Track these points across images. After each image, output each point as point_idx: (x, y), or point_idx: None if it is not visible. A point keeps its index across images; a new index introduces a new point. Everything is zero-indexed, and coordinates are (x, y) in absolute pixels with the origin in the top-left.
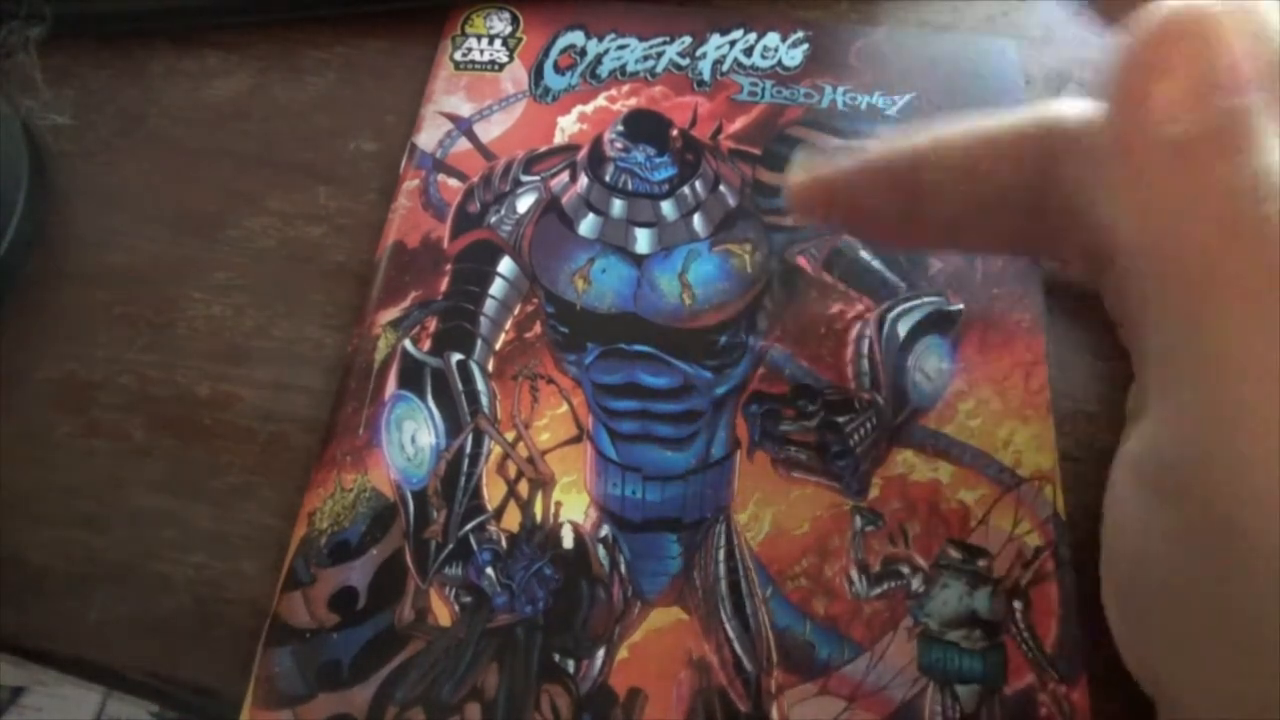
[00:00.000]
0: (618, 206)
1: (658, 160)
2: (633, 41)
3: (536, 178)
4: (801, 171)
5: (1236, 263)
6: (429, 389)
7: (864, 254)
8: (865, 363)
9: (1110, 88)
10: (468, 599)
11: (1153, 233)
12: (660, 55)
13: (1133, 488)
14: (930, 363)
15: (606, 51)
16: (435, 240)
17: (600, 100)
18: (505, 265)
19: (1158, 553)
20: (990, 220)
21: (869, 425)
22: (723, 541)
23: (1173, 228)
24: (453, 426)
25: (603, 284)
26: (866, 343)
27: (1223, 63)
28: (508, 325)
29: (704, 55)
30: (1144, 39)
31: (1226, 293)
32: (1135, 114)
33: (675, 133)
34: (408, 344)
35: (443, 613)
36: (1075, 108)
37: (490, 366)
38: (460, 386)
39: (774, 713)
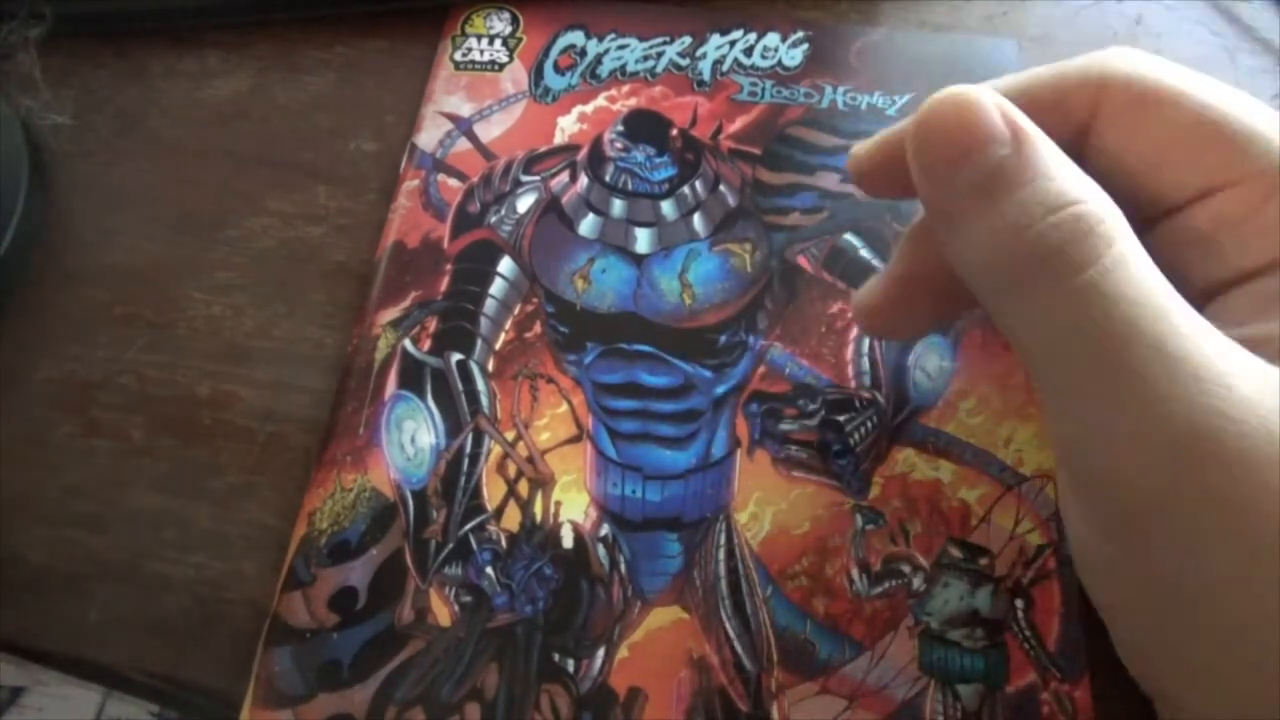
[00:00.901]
0: (618, 206)
1: (658, 160)
2: (633, 41)
3: (536, 178)
4: (856, 150)
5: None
6: (429, 389)
7: (864, 253)
8: (866, 361)
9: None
10: (468, 599)
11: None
12: (660, 55)
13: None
14: (931, 361)
15: (606, 51)
16: (435, 240)
17: (600, 100)
18: (505, 265)
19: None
20: None
21: (869, 424)
22: (723, 540)
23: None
24: (453, 426)
25: (603, 284)
26: (867, 341)
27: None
28: (508, 325)
29: (704, 55)
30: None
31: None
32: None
33: (675, 133)
34: (408, 344)
35: (443, 613)
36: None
37: (490, 366)
38: (460, 386)
39: (774, 712)
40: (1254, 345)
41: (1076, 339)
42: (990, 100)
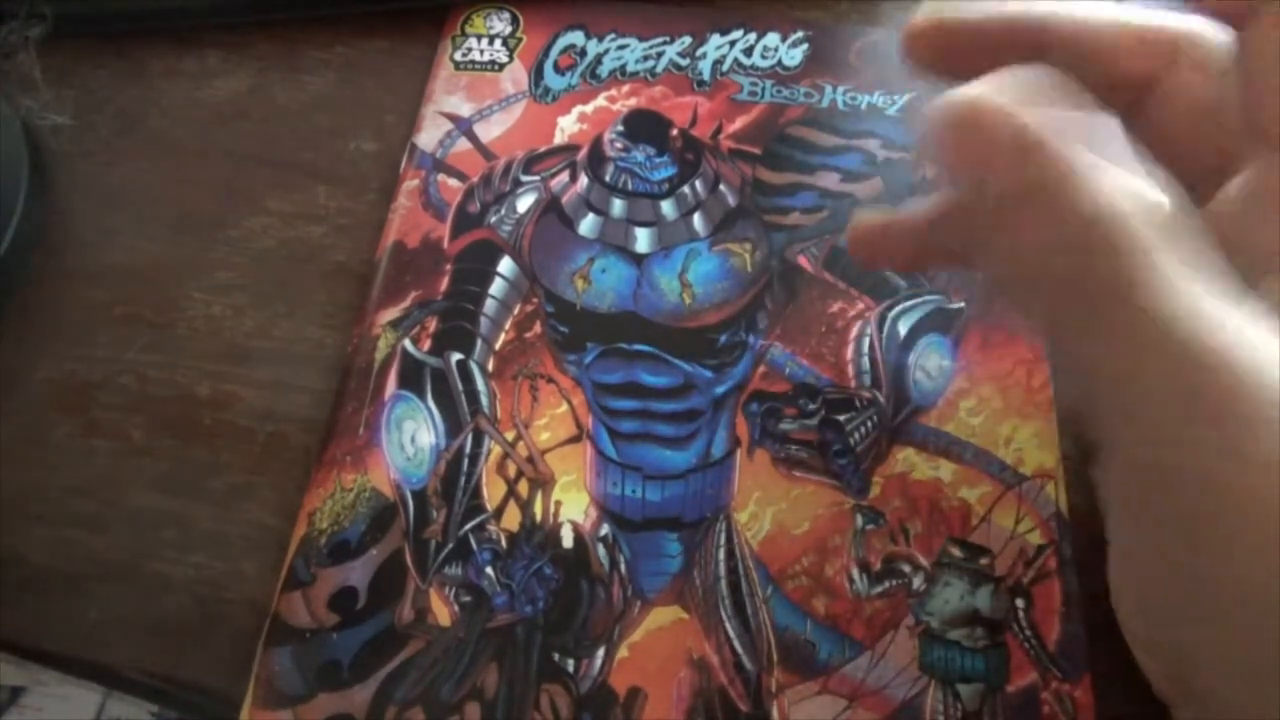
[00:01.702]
0: (618, 206)
1: (658, 160)
2: (633, 41)
3: (536, 178)
4: (922, 15)
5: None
6: (429, 389)
7: None
8: (866, 361)
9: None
10: (468, 599)
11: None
12: (660, 55)
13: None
14: (931, 361)
15: (606, 51)
16: (435, 240)
17: (600, 100)
18: (505, 265)
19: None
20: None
21: (870, 424)
22: (723, 540)
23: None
24: (453, 426)
25: (603, 283)
26: (867, 341)
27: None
28: (508, 325)
29: (704, 55)
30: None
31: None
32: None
33: (675, 132)
34: (408, 344)
35: (442, 612)
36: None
37: (490, 366)
38: (460, 386)
39: (774, 712)
40: None
41: (1139, 361)
42: (997, 103)
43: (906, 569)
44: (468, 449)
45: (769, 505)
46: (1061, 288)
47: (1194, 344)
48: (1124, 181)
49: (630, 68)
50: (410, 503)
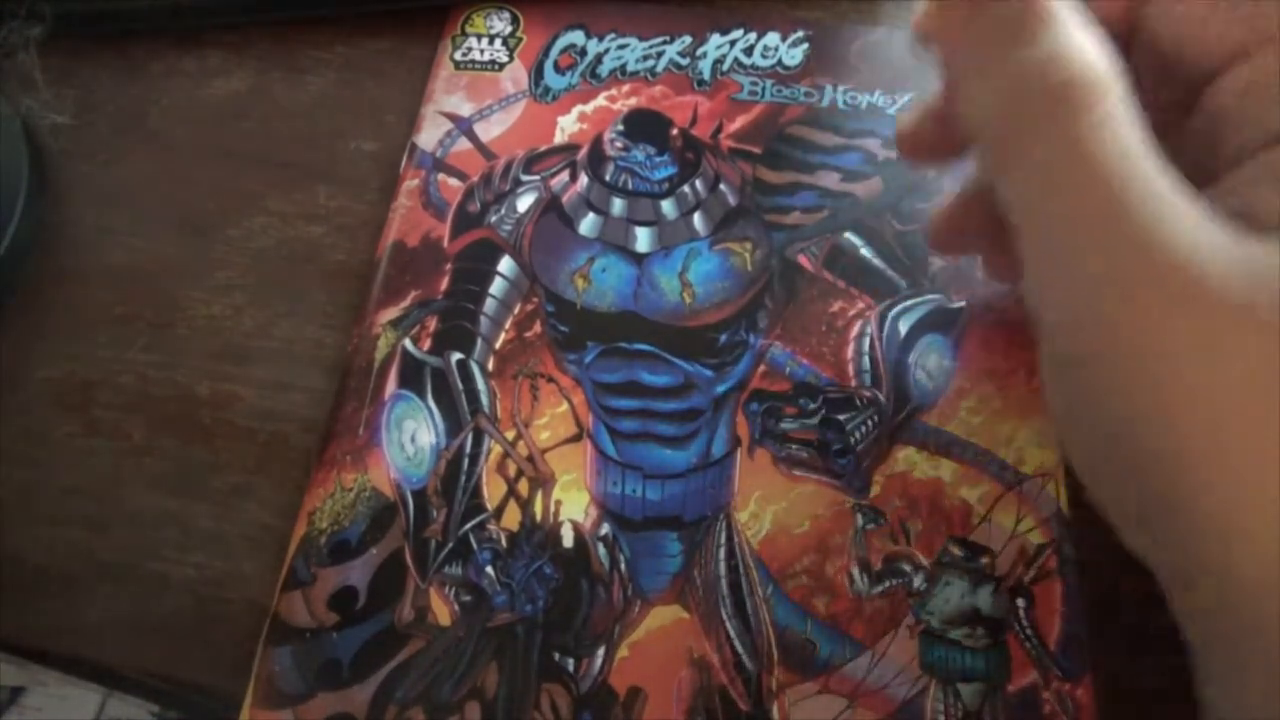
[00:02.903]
0: (618, 205)
1: (658, 159)
2: (633, 41)
3: (536, 177)
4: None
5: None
6: (429, 388)
7: (864, 252)
8: (866, 360)
9: None
10: (468, 598)
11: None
12: (660, 55)
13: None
14: (932, 360)
15: (606, 51)
16: (435, 240)
17: (600, 100)
18: (505, 264)
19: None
20: None
21: (870, 423)
22: (723, 540)
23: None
24: (453, 426)
25: (603, 283)
26: (867, 340)
27: None
28: (508, 324)
29: (704, 55)
30: None
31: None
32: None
33: (675, 132)
34: (408, 343)
35: (443, 612)
36: None
37: (490, 366)
38: (460, 386)
39: (775, 711)
40: (1248, 219)
41: (1068, 187)
42: None
43: (907, 568)
44: (468, 448)
45: (769, 504)
46: (1027, 115)
47: (1136, 212)
48: (1097, 44)
49: (630, 67)
50: (410, 502)
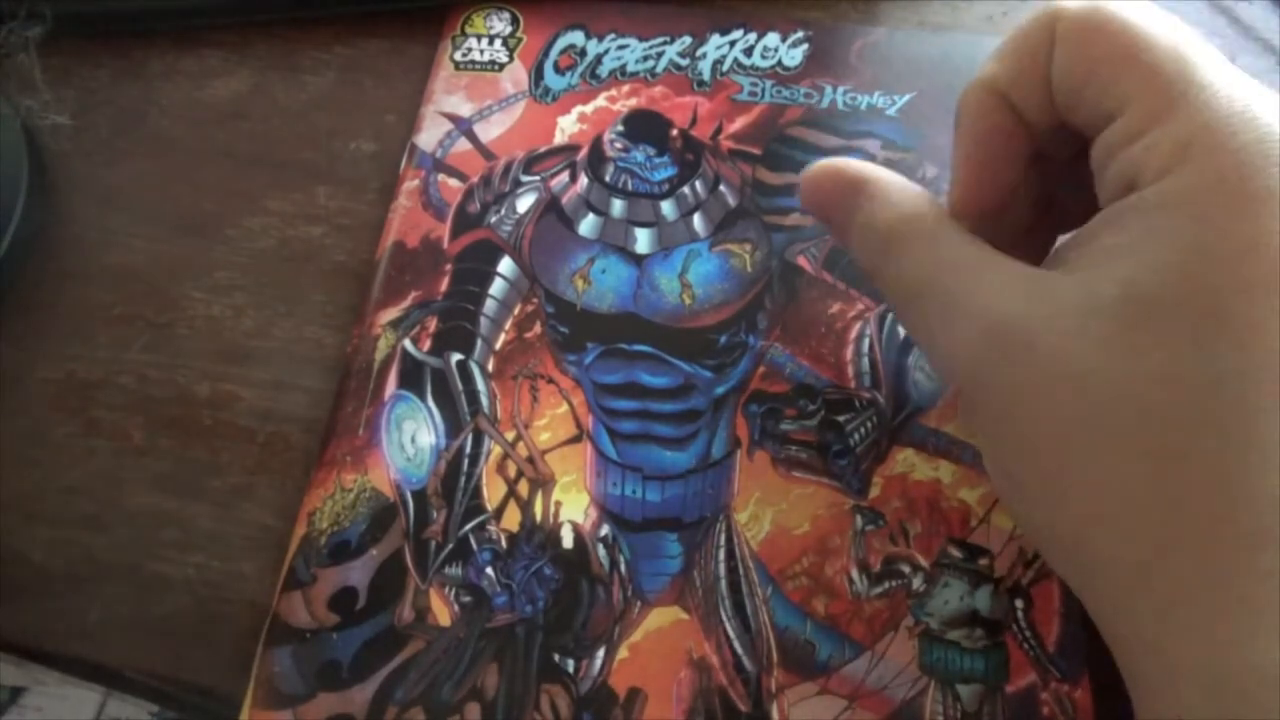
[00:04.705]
0: (618, 206)
1: (658, 160)
2: (633, 41)
3: (536, 178)
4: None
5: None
6: (429, 389)
7: None
8: (865, 362)
9: None
10: (467, 599)
11: None
12: (660, 55)
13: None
14: None
15: (606, 51)
16: (435, 240)
17: (600, 100)
18: (505, 265)
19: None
20: None
21: (869, 424)
22: (723, 541)
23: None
24: (453, 426)
25: (603, 284)
26: (867, 342)
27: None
28: (508, 325)
29: (704, 55)
30: None
31: None
32: None
33: (675, 133)
34: (408, 344)
35: (442, 613)
36: None
37: (490, 366)
38: (460, 386)
39: (774, 712)
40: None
41: (912, 291)
42: (825, 169)
43: (906, 569)
44: (468, 449)
45: (769, 506)
46: (890, 286)
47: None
48: (909, 190)
49: (630, 68)
50: (410, 503)
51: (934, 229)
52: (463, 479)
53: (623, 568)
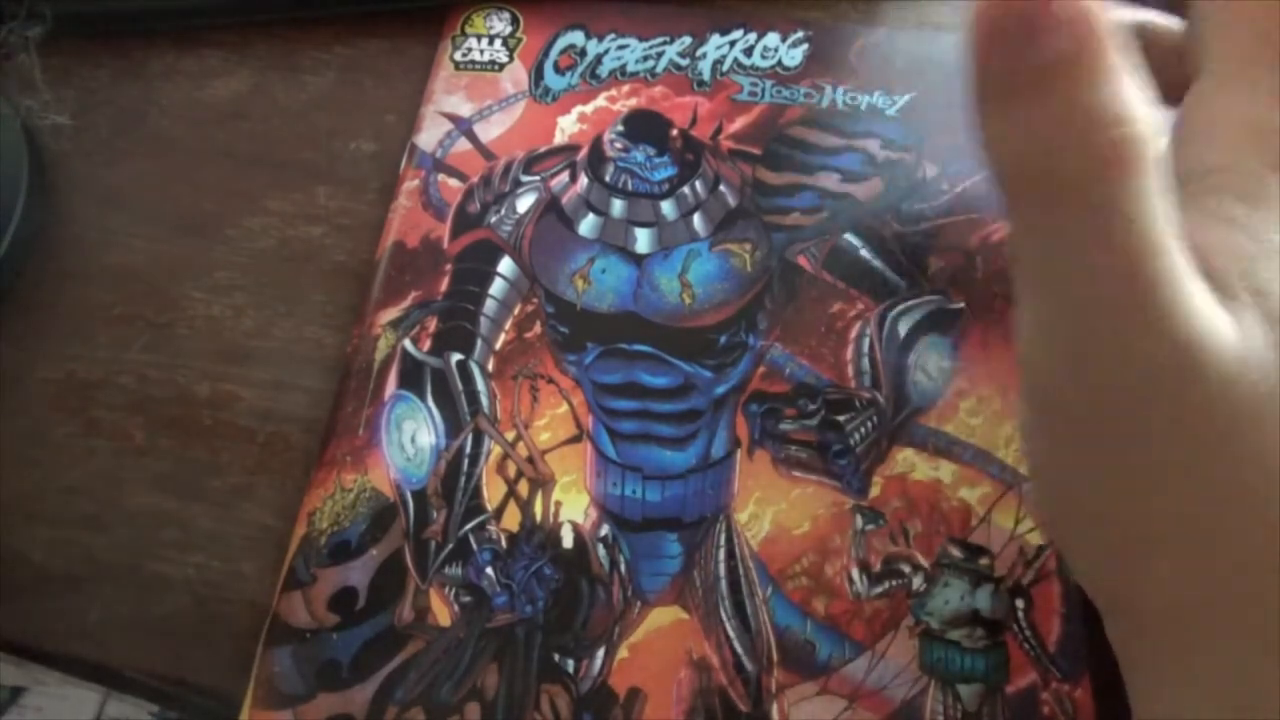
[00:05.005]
0: (618, 206)
1: (658, 160)
2: (633, 41)
3: (536, 178)
4: None
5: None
6: (429, 389)
7: (864, 253)
8: (866, 362)
9: None
10: (467, 599)
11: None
12: (660, 55)
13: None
14: (931, 361)
15: (606, 51)
16: (435, 240)
17: (600, 100)
18: (505, 265)
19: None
20: None
21: (870, 424)
22: (723, 541)
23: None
24: (453, 426)
25: (603, 284)
26: (867, 342)
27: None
28: (508, 325)
29: (704, 55)
30: None
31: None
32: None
33: (675, 133)
34: (408, 344)
35: (442, 613)
36: None
37: (490, 366)
38: (460, 386)
39: (774, 712)
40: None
41: (1097, 258)
42: None
43: (906, 569)
44: (468, 449)
45: (769, 505)
46: (1061, 172)
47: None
48: (1145, 102)
49: (630, 68)
50: (410, 503)
51: (1160, 178)
52: (463, 479)
53: (623, 568)
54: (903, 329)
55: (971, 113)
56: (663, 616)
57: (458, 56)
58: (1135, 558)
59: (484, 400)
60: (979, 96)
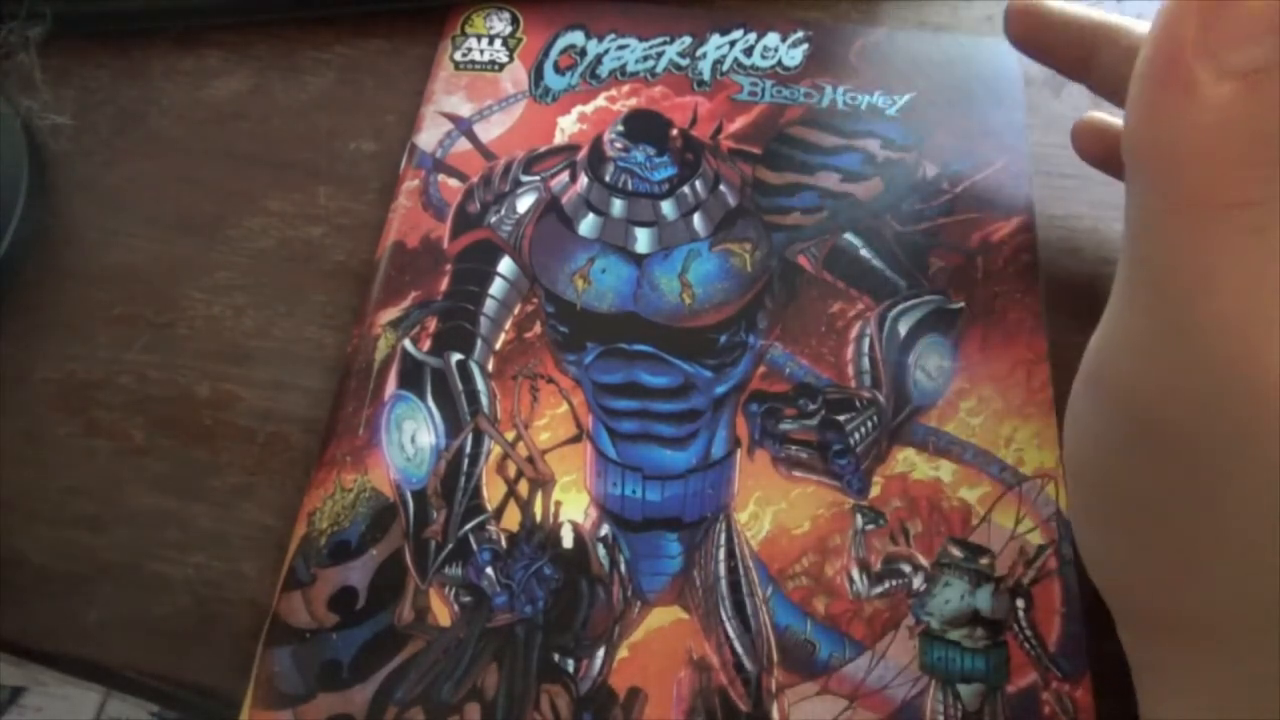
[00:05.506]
0: (618, 206)
1: (658, 160)
2: (633, 41)
3: (536, 178)
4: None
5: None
6: (429, 389)
7: (864, 253)
8: (866, 361)
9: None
10: (467, 599)
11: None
12: (660, 55)
13: (1081, 384)
14: (931, 361)
15: (606, 51)
16: (435, 240)
17: (600, 100)
18: (505, 265)
19: (1098, 454)
20: None
21: (870, 424)
22: (723, 540)
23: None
24: (452, 426)
25: (603, 284)
26: (867, 341)
27: None
28: (508, 325)
29: (704, 55)
30: None
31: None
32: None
33: (675, 132)
34: (408, 344)
35: (442, 612)
36: None
37: (490, 366)
38: (460, 386)
39: (774, 712)
40: None
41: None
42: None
43: (906, 569)
44: (468, 449)
45: (769, 505)
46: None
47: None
48: None
49: (630, 68)
50: (410, 503)
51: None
52: (463, 479)
53: (623, 567)
54: (903, 329)
55: (1141, 84)
56: (663, 616)
57: (458, 56)
58: (1177, 576)
59: (484, 400)
60: (1149, 86)
